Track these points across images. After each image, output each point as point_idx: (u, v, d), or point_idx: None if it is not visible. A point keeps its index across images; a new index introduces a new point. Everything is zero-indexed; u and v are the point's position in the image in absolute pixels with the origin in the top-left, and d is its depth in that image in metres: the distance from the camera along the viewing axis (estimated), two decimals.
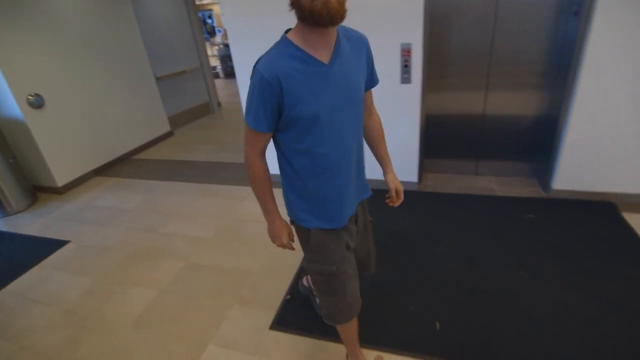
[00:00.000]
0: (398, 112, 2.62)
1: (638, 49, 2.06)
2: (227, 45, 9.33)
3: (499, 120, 2.75)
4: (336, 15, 0.84)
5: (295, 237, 1.23)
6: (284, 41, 0.95)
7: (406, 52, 2.40)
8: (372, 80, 1.14)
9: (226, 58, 9.43)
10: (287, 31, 0.97)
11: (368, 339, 1.60)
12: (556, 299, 1.74)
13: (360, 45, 1.04)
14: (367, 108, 1.20)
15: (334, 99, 0.97)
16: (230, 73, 9.53)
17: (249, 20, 2.65)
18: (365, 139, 1.25)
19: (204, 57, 5.72)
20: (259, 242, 2.43)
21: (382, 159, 1.32)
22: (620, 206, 2.40)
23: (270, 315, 1.81)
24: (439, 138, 2.92)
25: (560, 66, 2.38)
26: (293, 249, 1.23)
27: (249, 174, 1.10)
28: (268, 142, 1.06)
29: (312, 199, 1.10)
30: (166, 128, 4.92)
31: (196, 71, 5.58)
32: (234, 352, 1.64)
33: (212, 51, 10.31)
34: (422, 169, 2.98)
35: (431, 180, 3.00)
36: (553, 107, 2.52)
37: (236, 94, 7.50)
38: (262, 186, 1.10)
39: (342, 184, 1.09)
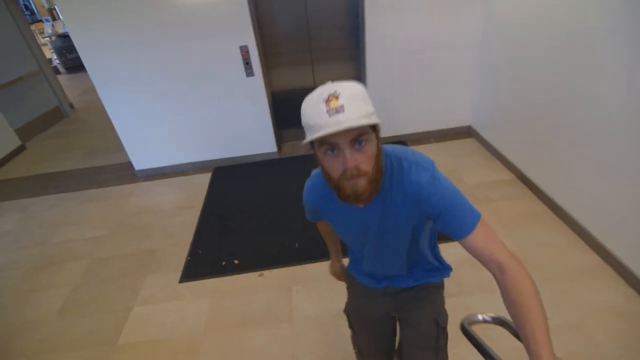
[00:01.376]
0: (249, 100, 3.27)
1: (396, 33, 3.11)
2: (62, 36, 8.31)
3: None
4: (366, 198, 0.78)
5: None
6: None
7: (245, 52, 3.02)
8: (457, 229, 0.81)
9: (64, 50, 8.42)
10: None
11: (251, 266, 2.33)
12: None
13: (417, 197, 0.83)
14: (485, 258, 0.79)
15: (362, 236, 0.97)
16: (73, 67, 8.58)
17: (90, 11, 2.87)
18: (504, 302, 0.78)
19: (41, 57, 5.26)
20: (154, 227, 2.89)
21: (525, 333, 0.70)
22: (408, 142, 3.60)
23: (177, 274, 2.38)
24: (288, 113, 3.69)
25: (356, 44, 3.32)
26: (341, 280, 1.42)
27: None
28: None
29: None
30: (16, 142, 4.57)
31: (36, 75, 5.13)
32: (154, 305, 2.18)
33: (39, 40, 8.96)
34: (281, 140, 3.75)
35: (289, 147, 3.79)
36: (357, 75, 3.50)
37: (88, 90, 7.01)
38: (326, 238, 1.33)
39: (368, 276, 1.16)
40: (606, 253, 2.04)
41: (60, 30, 8.43)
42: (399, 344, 1.22)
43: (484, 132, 3.39)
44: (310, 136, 0.71)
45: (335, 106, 0.67)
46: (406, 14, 3.00)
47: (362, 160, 0.72)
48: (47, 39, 8.43)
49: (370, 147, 0.73)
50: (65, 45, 8.28)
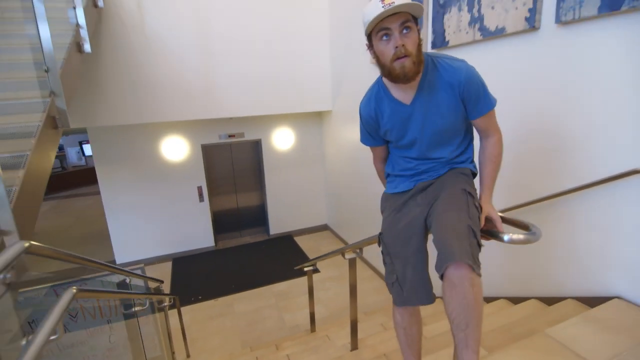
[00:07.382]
0: (200, 216, 5.66)
1: (280, 177, 6.02)
2: None
3: (246, 209, 6.23)
4: (412, 76, 1.09)
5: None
6: (378, 81, 1.27)
7: (199, 189, 5.55)
8: (476, 109, 1.21)
9: None
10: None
11: (209, 298, 4.42)
12: (271, 272, 5.10)
13: (453, 81, 1.16)
14: (481, 131, 1.28)
15: (414, 132, 1.25)
16: None
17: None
18: (478, 158, 1.32)
19: None
20: None
21: (481, 181, 1.29)
22: (293, 235, 6.24)
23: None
24: (223, 223, 6.11)
25: (260, 182, 6.13)
26: None
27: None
28: (383, 152, 1.44)
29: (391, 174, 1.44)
30: None
31: None
32: None
33: None
34: (218, 239, 6.04)
35: (222, 243, 6.08)
36: (261, 198, 6.22)
37: (38, 218, 8.39)
38: (379, 175, 1.58)
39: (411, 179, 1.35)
40: None
41: None
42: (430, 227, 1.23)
43: (333, 226, 6.25)
44: (370, 25, 1.07)
45: (389, 2, 1.04)
46: (285, 169, 6.00)
47: (408, 42, 1.07)
48: None
49: (413, 34, 1.08)
50: None
